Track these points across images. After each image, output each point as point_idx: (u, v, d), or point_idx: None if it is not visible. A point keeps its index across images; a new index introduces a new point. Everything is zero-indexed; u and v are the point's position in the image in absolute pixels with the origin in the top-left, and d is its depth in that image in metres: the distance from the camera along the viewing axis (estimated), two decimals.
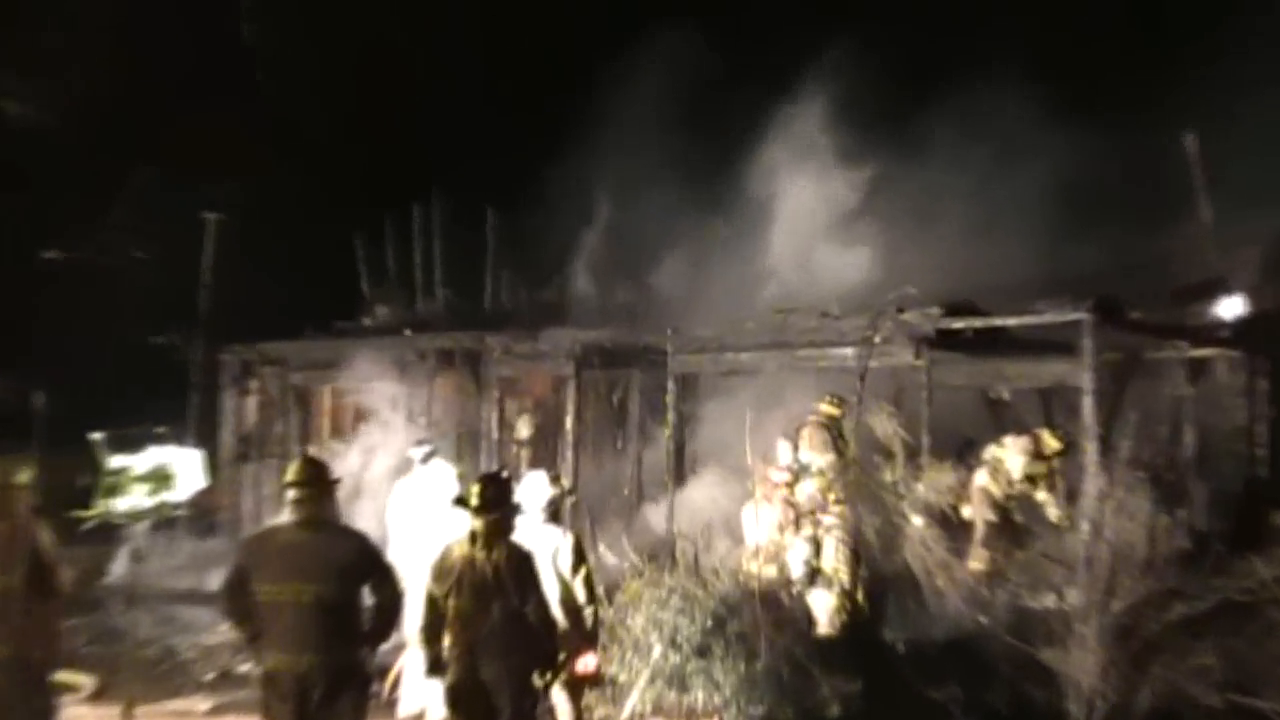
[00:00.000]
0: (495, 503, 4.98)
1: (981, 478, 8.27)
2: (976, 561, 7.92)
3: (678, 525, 9.00)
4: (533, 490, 5.79)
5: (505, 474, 5.26)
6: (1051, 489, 8.16)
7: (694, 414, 10.61)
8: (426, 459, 8.58)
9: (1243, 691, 5.65)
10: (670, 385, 9.97)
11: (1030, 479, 8.16)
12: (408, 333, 12.12)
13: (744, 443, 7.93)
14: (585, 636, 5.58)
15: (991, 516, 8.11)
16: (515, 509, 5.11)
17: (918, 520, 7.59)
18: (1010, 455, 8.24)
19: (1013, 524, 8.11)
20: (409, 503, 8.30)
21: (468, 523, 4.96)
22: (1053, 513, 8.01)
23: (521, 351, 11.09)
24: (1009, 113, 10.69)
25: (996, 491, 8.17)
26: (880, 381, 8.91)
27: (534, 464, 11.37)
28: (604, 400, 11.78)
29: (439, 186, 14.38)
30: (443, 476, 8.49)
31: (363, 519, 8.35)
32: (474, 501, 4.96)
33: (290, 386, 12.70)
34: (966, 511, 8.26)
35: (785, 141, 11.63)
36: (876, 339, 8.57)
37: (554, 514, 5.83)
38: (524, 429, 12.49)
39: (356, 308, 14.06)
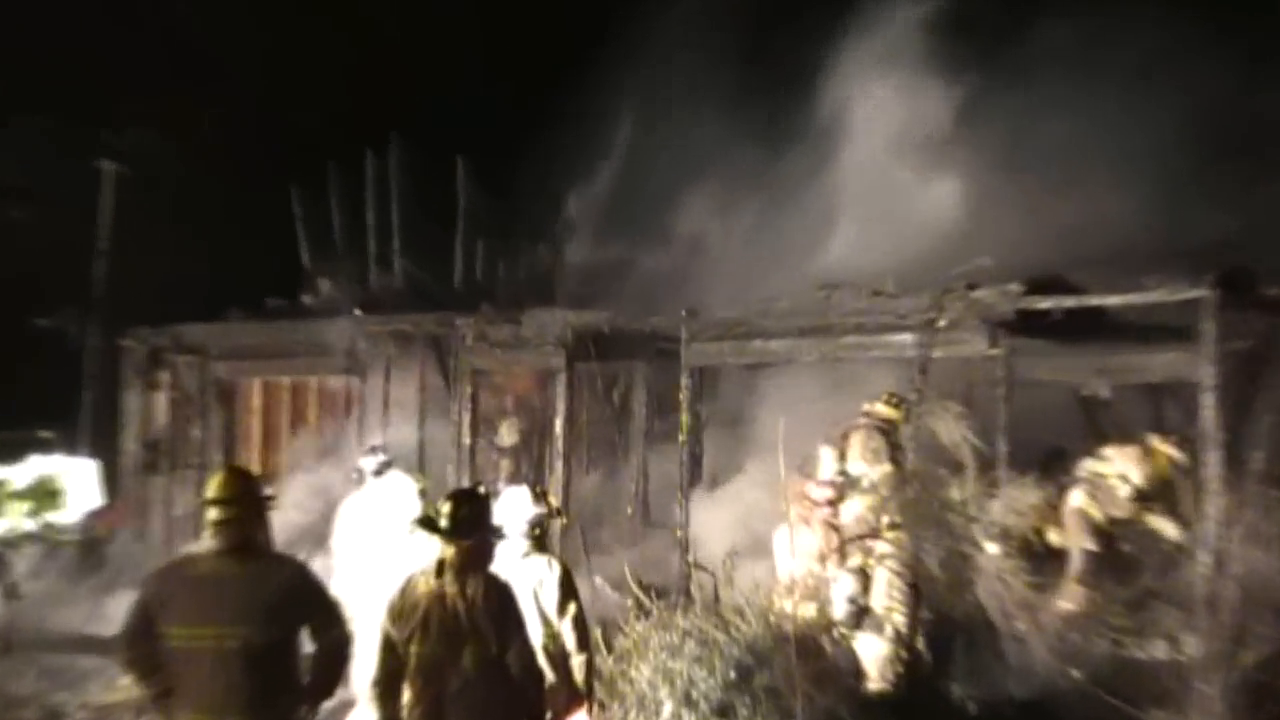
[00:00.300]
0: (469, 525, 4.98)
1: (1077, 498, 8.34)
2: (1068, 600, 7.96)
3: (693, 553, 9.14)
4: (513, 509, 5.85)
5: (481, 490, 5.29)
6: (1169, 512, 8.18)
7: (714, 416, 10.71)
8: (380, 471, 8.74)
9: None
10: (685, 380, 10.16)
11: (1140, 498, 8.21)
12: (358, 313, 12.16)
13: (776, 452, 7.92)
14: (577, 691, 5.61)
15: (1090, 545, 8.17)
16: (494, 533, 5.13)
17: (993, 548, 7.67)
18: (1115, 469, 8.30)
19: (1116, 554, 8.18)
20: (359, 524, 8.40)
21: (434, 550, 4.99)
22: (1170, 537, 8.04)
23: (500, 338, 11.12)
24: (1137, 33, 10.53)
25: (1097, 514, 8.22)
26: (947, 376, 9.00)
27: (515, 477, 11.84)
28: (602, 399, 11.87)
29: (398, 130, 14.46)
30: (401, 492, 8.61)
31: (302, 545, 8.51)
32: (443, 523, 4.97)
33: (211, 380, 12.78)
34: (1055, 538, 8.35)
35: (840, 66, 11.67)
36: (942, 322, 8.79)
37: (539, 539, 5.88)
38: (504, 434, 12.64)
39: (294, 283, 14.16)
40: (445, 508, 5.01)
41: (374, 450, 9.20)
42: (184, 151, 14.96)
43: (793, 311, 9.77)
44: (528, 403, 12.75)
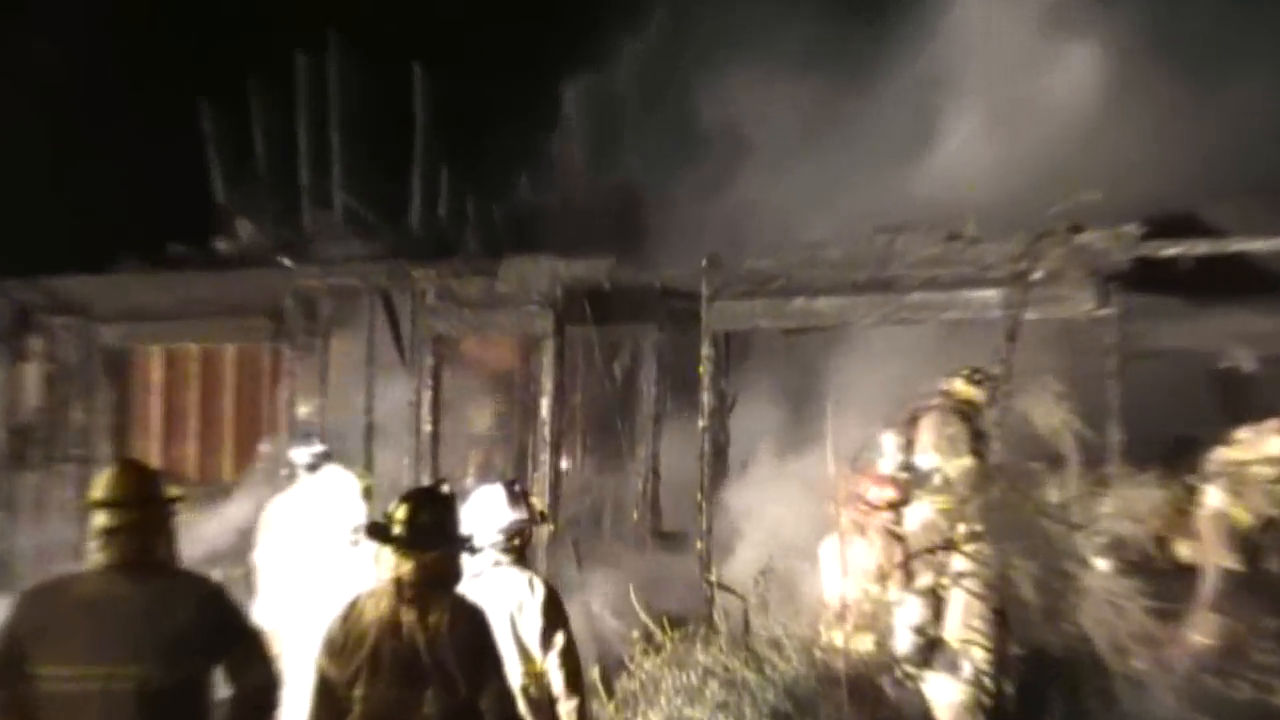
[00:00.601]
0: (430, 534, 4.99)
1: (1214, 497, 8.15)
2: (1200, 632, 7.87)
3: (717, 570, 9.15)
4: (486, 514, 5.85)
5: (445, 489, 5.27)
6: None
7: (743, 395, 10.72)
8: (316, 464, 8.82)
9: None
10: (706, 349, 10.10)
11: None
12: (287, 263, 12.17)
13: (824, 441, 8.09)
14: None
15: (1230, 560, 8.01)
16: (462, 544, 5.14)
17: (1102, 565, 7.68)
18: (1259, 453, 8.16)
19: (1263, 573, 8.03)
20: (289, 533, 8.49)
21: (386, 565, 4.98)
22: None
23: (470, 295, 11.11)
24: None
25: (1242, 518, 8.08)
26: (1043, 344, 8.95)
27: (490, 473, 11.84)
28: (601, 373, 11.89)
29: (336, 28, 14.44)
30: (342, 492, 8.70)
31: (217, 559, 8.58)
32: (396, 532, 4.97)
33: (97, 349, 12.76)
34: (1184, 551, 8.26)
35: None
36: (1037, 274, 8.70)
37: (519, 552, 5.89)
38: (475, 418, 12.65)
39: (204, 223, 14.13)
40: (399, 512, 5.01)
41: (307, 438, 9.32)
42: (59, 52, 14.98)
43: (846, 261, 9.75)
44: (506, 379, 12.73)
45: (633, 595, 8.61)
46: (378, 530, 5.04)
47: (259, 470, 11.53)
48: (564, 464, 11.11)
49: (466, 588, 5.16)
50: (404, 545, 4.92)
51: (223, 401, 13.42)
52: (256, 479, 11.28)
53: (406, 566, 4.90)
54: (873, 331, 9.96)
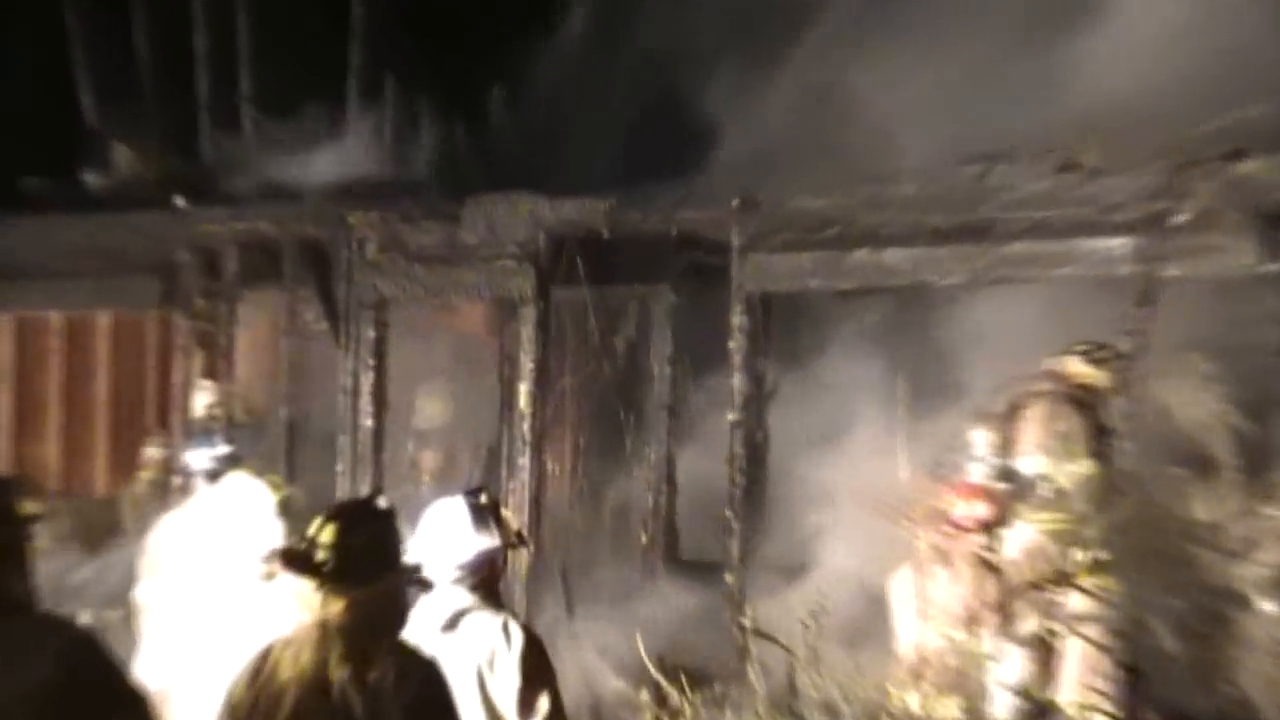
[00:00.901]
0: (366, 562, 4.86)
1: None
2: None
3: (753, 612, 9.05)
4: (443, 537, 5.82)
5: (382, 504, 5.14)
6: None
7: (786, 378, 10.75)
8: (217, 472, 8.78)
9: None
10: (739, 318, 10.17)
11: None
12: (180, 203, 12.13)
13: (894, 440, 8.50)
14: None
15: None
16: (410, 576, 5.05)
17: (1270, 607, 7.69)
18: None
19: None
20: (182, 561, 8.42)
21: (308, 605, 4.84)
22: None
23: (425, 246, 11.18)
24: None
25: None
26: (1189, 310, 8.94)
27: (448, 481, 11.60)
28: (598, 350, 11.93)
29: None
30: (251, 508, 8.62)
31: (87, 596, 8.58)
32: (322, 559, 4.83)
33: None
34: None
35: None
36: (1180, 217, 8.71)
37: (488, 587, 5.84)
38: (428, 409, 12.66)
39: (69, 152, 14.11)
40: (324, 534, 4.85)
41: (207, 437, 9.18)
42: None
43: (925, 200, 9.74)
44: (472, 357, 12.64)
45: (640, 644, 8.50)
46: (297, 559, 4.88)
47: (143, 480, 11.49)
48: (549, 469, 11.10)
49: (418, 636, 5.11)
50: (332, 578, 4.79)
51: (94, 388, 13.38)
52: (139, 491, 11.21)
53: (335, 608, 4.78)
54: (959, 293, 9.97)
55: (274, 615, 5.13)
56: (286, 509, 8.71)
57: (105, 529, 11.43)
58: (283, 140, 13.58)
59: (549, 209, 10.86)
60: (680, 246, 10.92)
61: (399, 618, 4.96)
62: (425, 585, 5.17)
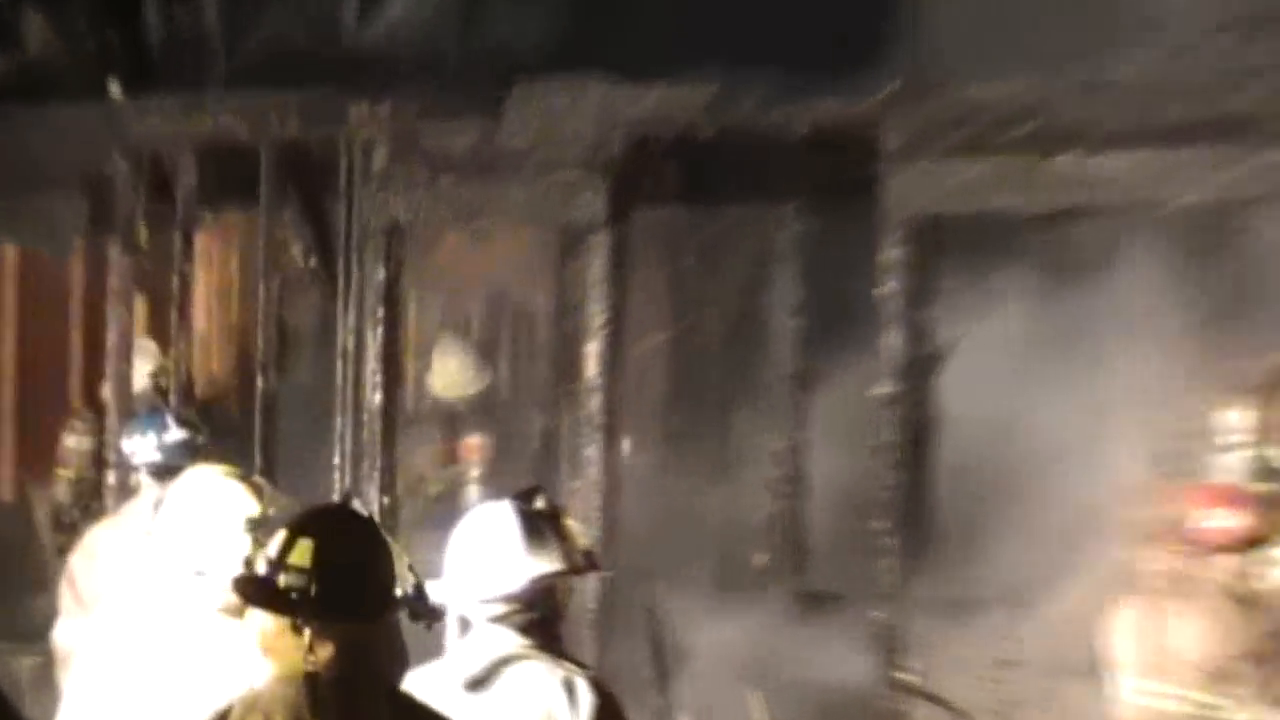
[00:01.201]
0: (356, 590, 4.40)
1: None
2: None
3: (915, 661, 9.03)
4: (484, 557, 5.21)
5: (361, 510, 4.76)
6: None
7: (960, 332, 9.75)
8: (171, 465, 7.92)
9: None
10: (893, 250, 9.43)
11: None
12: (116, 93, 11.13)
13: (1111, 423, 8.48)
14: None
15: None
16: (419, 607, 4.53)
17: None
18: None
19: None
20: (122, 582, 7.67)
21: (283, 649, 4.35)
22: None
23: (455, 152, 10.11)
24: None
25: None
26: None
27: (487, 481, 11.48)
28: (695, 294, 11.52)
29: None
30: (214, 517, 7.49)
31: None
32: (297, 585, 4.32)
33: None
34: None
35: None
36: None
37: (544, 625, 5.21)
38: (454, 374, 12.13)
39: None
40: (296, 552, 4.33)
41: (154, 417, 8.58)
42: None
43: (1154, 86, 8.81)
44: (519, 306, 12.52)
45: (755, 706, 8.70)
46: (265, 588, 4.39)
47: (62, 480, 11.20)
48: (626, 464, 10.26)
49: (437, 693, 4.73)
50: (316, 612, 4.32)
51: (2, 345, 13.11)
52: (58, 495, 11.09)
53: (323, 653, 4.33)
54: (1202, 218, 9.05)
55: (239, 665, 4.92)
56: (262, 522, 6.96)
57: (11, 547, 11.17)
58: (252, 11, 12.57)
59: (627, 98, 9.82)
60: (810, 151, 9.73)
61: (399, 663, 4.98)
62: (434, 616, 4.72)
